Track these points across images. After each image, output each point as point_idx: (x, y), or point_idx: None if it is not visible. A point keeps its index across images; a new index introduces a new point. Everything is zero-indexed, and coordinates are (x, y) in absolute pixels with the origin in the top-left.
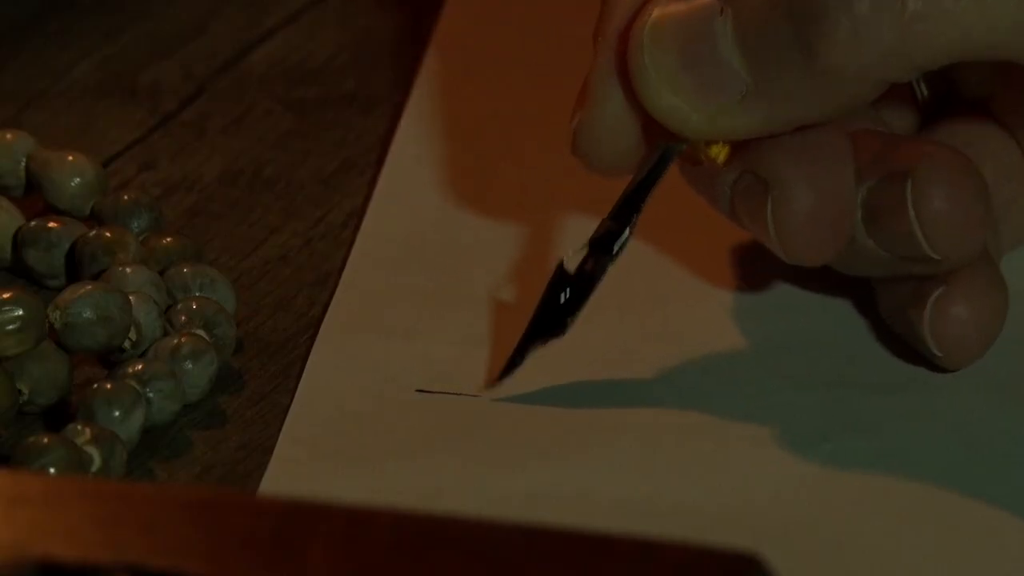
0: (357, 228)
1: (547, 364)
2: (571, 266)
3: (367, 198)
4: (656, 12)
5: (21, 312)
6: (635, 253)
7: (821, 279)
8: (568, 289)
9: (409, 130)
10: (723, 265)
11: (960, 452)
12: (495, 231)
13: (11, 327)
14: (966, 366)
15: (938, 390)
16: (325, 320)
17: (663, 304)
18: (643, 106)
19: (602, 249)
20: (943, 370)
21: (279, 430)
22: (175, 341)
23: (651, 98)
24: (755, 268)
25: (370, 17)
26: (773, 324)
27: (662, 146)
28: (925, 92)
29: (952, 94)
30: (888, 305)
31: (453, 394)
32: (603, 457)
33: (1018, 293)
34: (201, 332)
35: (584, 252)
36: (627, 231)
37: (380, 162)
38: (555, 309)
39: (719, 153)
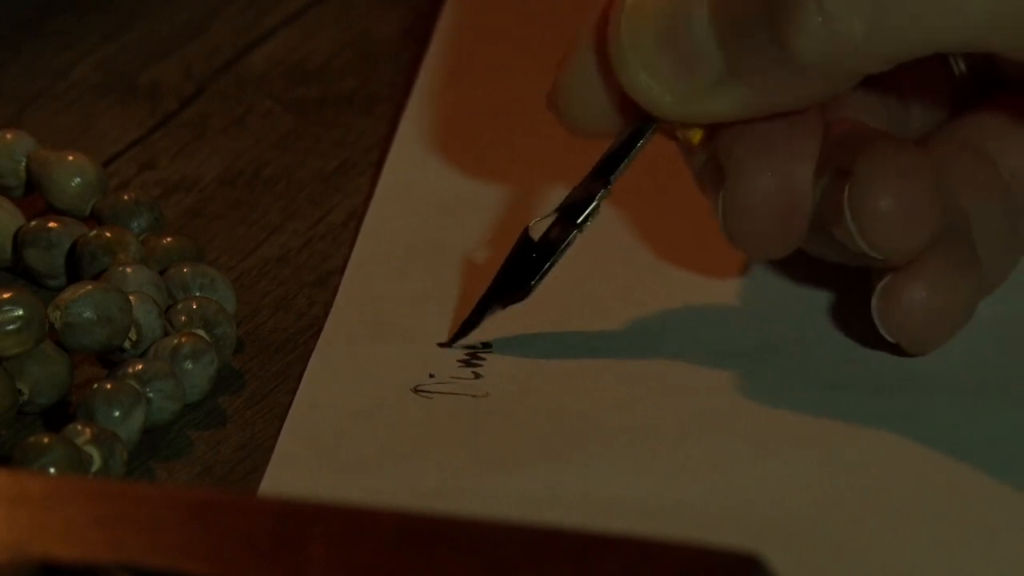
0: (357, 228)
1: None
2: (536, 232)
3: (367, 198)
4: None
5: (21, 312)
6: (632, 247)
7: (822, 278)
8: (532, 254)
9: (409, 130)
10: (722, 260)
11: (959, 452)
12: (496, 230)
13: (11, 327)
14: (927, 352)
15: (937, 390)
16: (327, 321)
17: (659, 302)
18: (618, 82)
19: (569, 217)
20: (911, 355)
21: (279, 430)
22: (175, 341)
23: (625, 76)
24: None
25: (370, 17)
26: (772, 324)
27: (637, 121)
28: (962, 68)
29: (992, 71)
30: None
31: (452, 395)
32: (603, 457)
33: (1017, 288)
34: (201, 332)
35: (552, 219)
36: (595, 201)
37: (380, 162)
38: (517, 273)
39: (694, 135)
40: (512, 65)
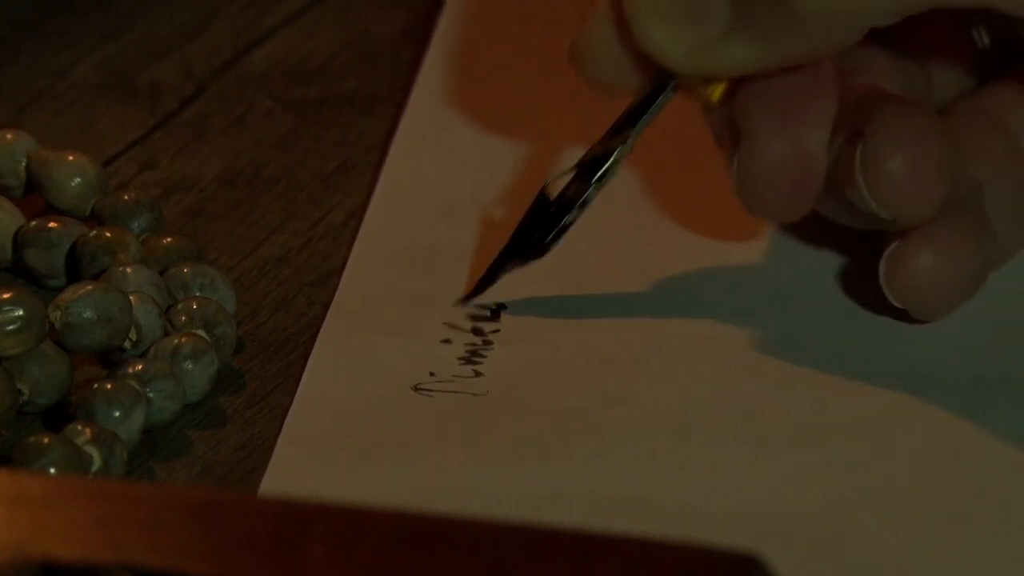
0: (357, 228)
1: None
2: (554, 189)
3: (367, 198)
4: None
5: (21, 312)
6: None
7: (824, 277)
8: (550, 211)
9: (409, 130)
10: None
11: (959, 451)
12: (496, 230)
13: (11, 327)
14: (934, 319)
15: (937, 388)
16: (326, 320)
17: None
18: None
19: (587, 174)
20: (918, 322)
21: (279, 430)
22: (175, 341)
23: (639, 29)
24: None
25: (370, 17)
26: (773, 322)
27: (656, 78)
28: (986, 41)
29: (1015, 44)
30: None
31: (453, 393)
32: (603, 456)
33: (1016, 282)
34: (201, 332)
35: (570, 176)
36: (613, 157)
37: (380, 162)
38: (534, 231)
39: (713, 91)
40: (512, 65)
